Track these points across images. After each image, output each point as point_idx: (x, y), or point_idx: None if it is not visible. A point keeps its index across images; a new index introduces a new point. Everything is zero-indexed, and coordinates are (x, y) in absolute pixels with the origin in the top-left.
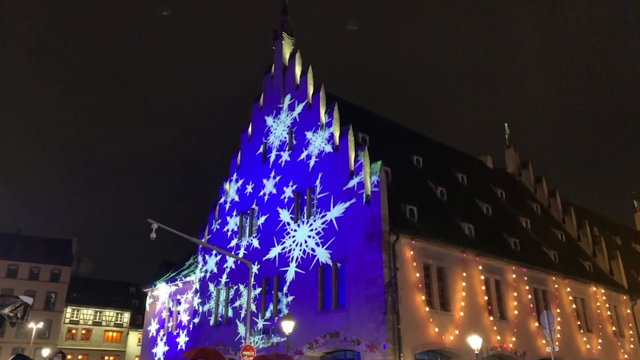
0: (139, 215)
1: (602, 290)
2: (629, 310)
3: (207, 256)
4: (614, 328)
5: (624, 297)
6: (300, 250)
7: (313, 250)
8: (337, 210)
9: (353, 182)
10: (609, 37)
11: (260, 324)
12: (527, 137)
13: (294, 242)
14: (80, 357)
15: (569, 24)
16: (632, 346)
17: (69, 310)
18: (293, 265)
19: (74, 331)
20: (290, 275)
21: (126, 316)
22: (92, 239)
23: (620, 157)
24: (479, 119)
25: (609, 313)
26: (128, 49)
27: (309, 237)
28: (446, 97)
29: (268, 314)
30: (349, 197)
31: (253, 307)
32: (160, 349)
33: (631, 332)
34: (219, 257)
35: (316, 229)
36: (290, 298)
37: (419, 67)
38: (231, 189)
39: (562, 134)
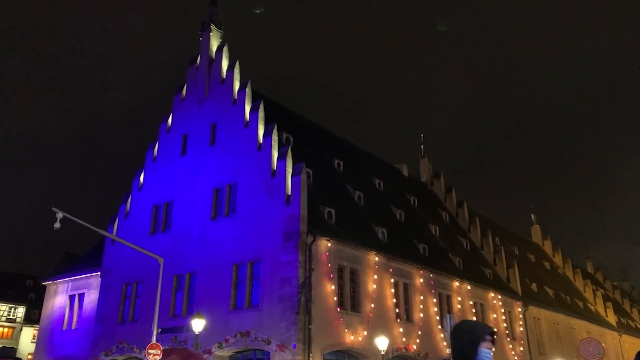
0: (40, 204)
1: (499, 296)
2: (521, 315)
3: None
4: (507, 331)
5: (518, 303)
6: (218, 242)
7: (233, 240)
8: (256, 202)
9: (274, 182)
10: (520, 59)
11: (178, 320)
12: (441, 149)
13: (212, 235)
14: None
15: (485, 48)
16: (521, 348)
17: None
18: (209, 258)
19: None
20: (205, 268)
21: (20, 311)
22: None
23: (521, 175)
24: (398, 128)
25: (503, 317)
26: (41, 28)
27: (229, 228)
28: (370, 106)
29: (181, 312)
30: (270, 194)
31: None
32: (55, 343)
33: (522, 335)
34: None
35: (235, 220)
36: (204, 291)
37: (344, 75)
38: (145, 182)
39: (473, 149)
